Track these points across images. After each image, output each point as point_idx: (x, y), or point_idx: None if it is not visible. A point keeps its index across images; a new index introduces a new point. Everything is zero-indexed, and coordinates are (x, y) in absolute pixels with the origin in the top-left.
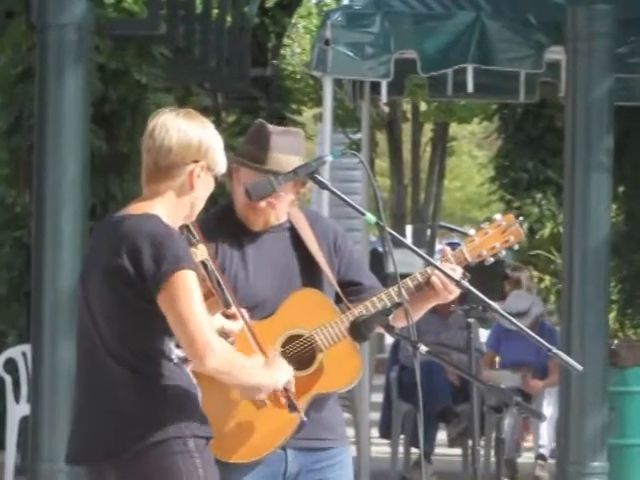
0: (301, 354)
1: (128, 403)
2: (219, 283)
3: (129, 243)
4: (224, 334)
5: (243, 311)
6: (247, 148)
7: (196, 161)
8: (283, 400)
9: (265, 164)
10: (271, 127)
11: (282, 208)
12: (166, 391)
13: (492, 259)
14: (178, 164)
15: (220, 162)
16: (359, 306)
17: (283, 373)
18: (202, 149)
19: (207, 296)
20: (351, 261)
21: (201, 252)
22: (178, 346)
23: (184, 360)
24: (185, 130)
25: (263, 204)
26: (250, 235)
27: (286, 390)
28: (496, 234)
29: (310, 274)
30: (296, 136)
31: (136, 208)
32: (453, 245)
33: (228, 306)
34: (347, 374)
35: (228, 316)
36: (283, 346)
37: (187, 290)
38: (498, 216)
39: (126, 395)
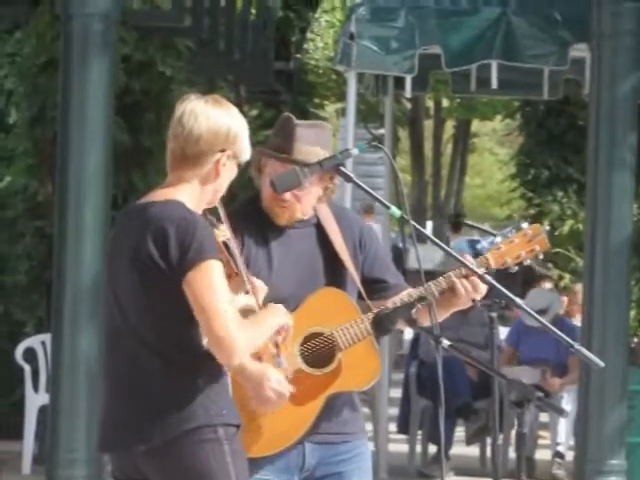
0: (321, 352)
1: (159, 391)
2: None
3: (155, 230)
4: (250, 311)
5: (253, 279)
6: (273, 140)
7: (223, 150)
8: (271, 346)
9: (290, 155)
10: (297, 120)
11: (307, 201)
12: (196, 378)
13: (516, 267)
14: (206, 152)
15: (245, 150)
16: (381, 307)
17: (283, 316)
18: (230, 137)
19: (231, 276)
20: (376, 258)
21: (222, 232)
22: None
23: None
24: (215, 118)
25: (288, 196)
26: (276, 230)
27: (276, 344)
28: (522, 243)
29: (334, 272)
30: (322, 129)
31: (160, 194)
32: (472, 242)
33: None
34: (365, 375)
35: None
36: (303, 343)
37: (212, 281)
38: (525, 225)
39: (156, 383)
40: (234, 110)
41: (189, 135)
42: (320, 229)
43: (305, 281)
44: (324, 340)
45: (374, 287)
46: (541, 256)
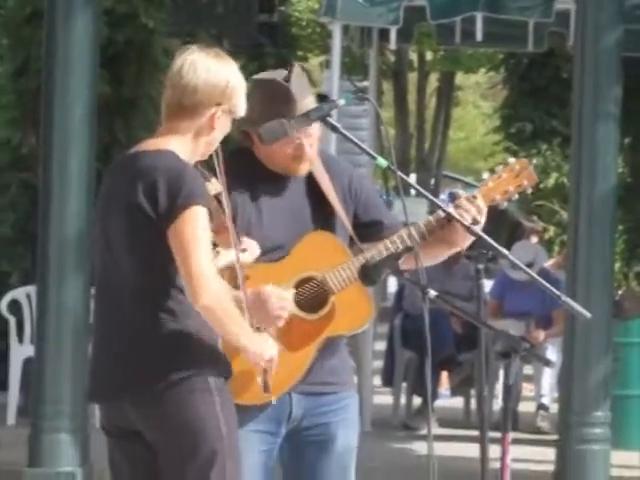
0: (313, 297)
1: (149, 340)
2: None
3: (145, 179)
4: (231, 268)
5: (243, 238)
6: (271, 108)
7: (219, 103)
8: (258, 379)
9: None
10: (282, 80)
11: (316, 148)
12: (187, 328)
13: (505, 203)
14: (203, 104)
15: (241, 106)
16: (371, 249)
17: (270, 347)
18: (227, 92)
19: (219, 229)
20: (368, 202)
21: (214, 186)
22: None
23: None
24: (214, 71)
25: (307, 148)
26: (264, 180)
27: (265, 370)
28: (509, 178)
29: (324, 218)
30: (300, 74)
31: (152, 144)
32: (455, 195)
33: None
34: (359, 317)
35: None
36: (296, 288)
37: (194, 226)
38: (512, 160)
39: (147, 332)
40: (234, 65)
41: (187, 86)
42: (309, 177)
43: (295, 229)
44: (316, 284)
45: (372, 229)
46: (529, 190)
